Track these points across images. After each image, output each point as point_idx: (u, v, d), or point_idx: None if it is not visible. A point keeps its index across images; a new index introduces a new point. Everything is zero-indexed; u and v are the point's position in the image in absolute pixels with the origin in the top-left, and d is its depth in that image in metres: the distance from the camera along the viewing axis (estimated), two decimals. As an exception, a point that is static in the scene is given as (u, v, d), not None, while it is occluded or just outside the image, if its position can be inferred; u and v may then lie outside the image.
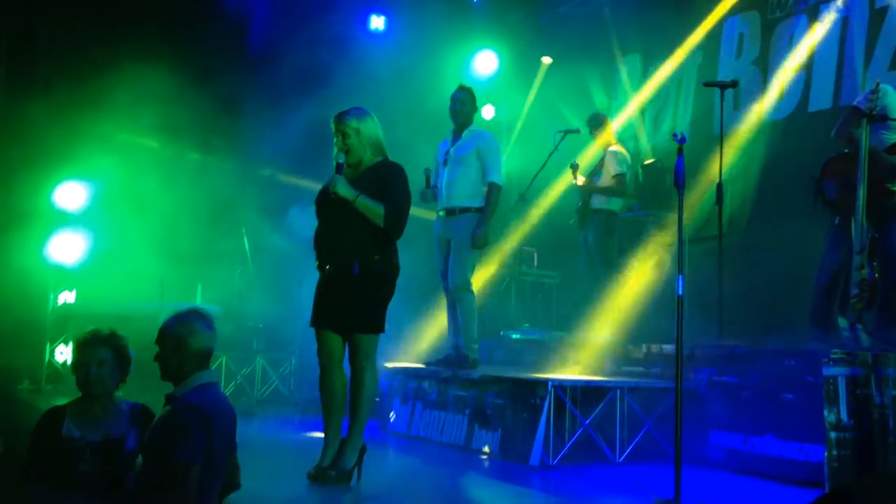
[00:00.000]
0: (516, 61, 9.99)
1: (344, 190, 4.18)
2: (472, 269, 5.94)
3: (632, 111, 8.96)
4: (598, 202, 7.35)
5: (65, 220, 9.07)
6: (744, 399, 4.83)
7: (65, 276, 9.06)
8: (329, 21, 9.75)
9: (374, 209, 4.19)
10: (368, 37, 10.16)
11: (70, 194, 9.12)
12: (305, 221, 6.45)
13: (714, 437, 4.96)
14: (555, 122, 8.89)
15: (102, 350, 3.39)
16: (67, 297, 9.15)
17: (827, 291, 5.01)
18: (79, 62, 8.57)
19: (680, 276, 3.76)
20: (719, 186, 5.57)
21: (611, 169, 7.32)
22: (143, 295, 7.91)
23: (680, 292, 3.76)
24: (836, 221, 5.03)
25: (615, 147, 7.52)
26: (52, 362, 8.83)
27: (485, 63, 9.96)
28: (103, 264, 8.89)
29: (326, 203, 4.28)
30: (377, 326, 4.28)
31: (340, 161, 4.25)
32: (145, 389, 3.67)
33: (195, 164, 9.12)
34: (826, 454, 3.31)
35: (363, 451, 4.27)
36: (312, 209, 4.43)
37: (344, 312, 4.24)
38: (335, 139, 4.33)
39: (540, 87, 9.72)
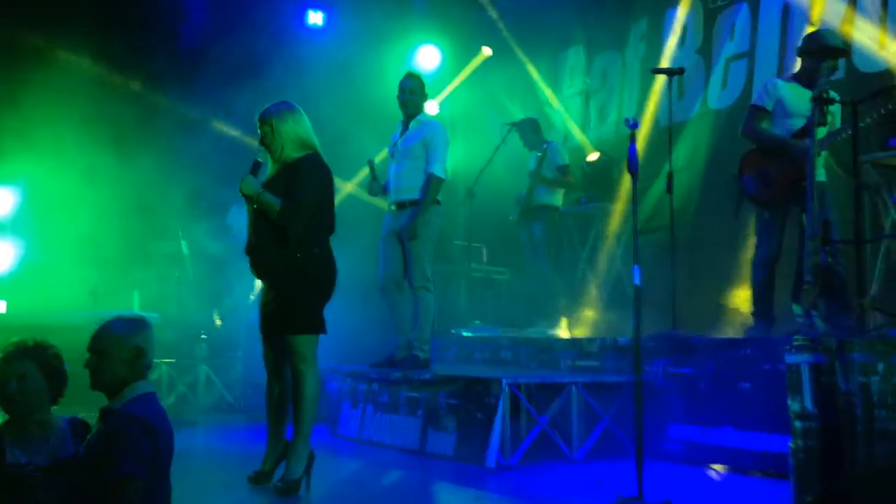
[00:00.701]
0: (459, 56, 9.86)
1: (248, 188, 4.14)
2: (429, 263, 5.78)
3: (576, 103, 8.91)
4: (542, 197, 7.32)
5: (-7, 228, 8.72)
6: (700, 390, 4.76)
7: (-6, 287, 8.72)
8: (265, 16, 9.54)
9: (271, 205, 4.10)
10: (307, 32, 9.94)
11: (-3, 201, 8.77)
12: (245, 221, 6.27)
13: (672, 430, 4.88)
14: (499, 115, 8.80)
15: (24, 364, 3.08)
16: (-2, 308, 8.78)
17: (765, 284, 5.03)
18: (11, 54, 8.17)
19: (636, 266, 3.66)
20: (670, 175, 5.50)
21: (556, 161, 7.27)
22: (76, 304, 7.55)
23: (637, 282, 3.65)
24: (766, 216, 5.09)
25: (552, 142, 7.61)
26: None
27: (427, 58, 9.80)
28: (35, 273, 8.58)
29: (250, 205, 4.23)
30: (309, 326, 4.16)
31: (259, 159, 4.22)
32: (73, 402, 3.40)
33: (127, 166, 8.77)
34: (791, 444, 3.22)
35: (311, 458, 4.15)
36: None
37: (274, 316, 4.20)
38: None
39: (483, 81, 9.60)
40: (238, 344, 8.18)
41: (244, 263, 4.38)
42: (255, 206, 4.17)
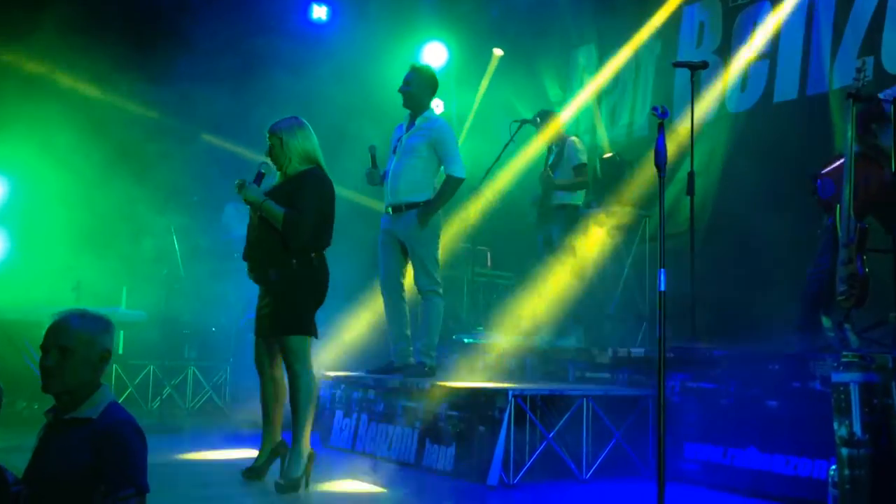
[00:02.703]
0: (466, 53, 9.54)
1: (251, 195, 4.35)
2: (436, 265, 5.48)
3: (588, 104, 8.57)
4: (561, 196, 6.83)
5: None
6: (722, 407, 4.42)
7: (-23, 279, 8.41)
8: (268, 9, 9.27)
9: (275, 213, 4.31)
10: (310, 27, 9.66)
11: (-17, 188, 8.48)
12: (241, 219, 6.14)
13: (689, 449, 4.54)
14: (507, 115, 8.46)
15: None
16: (-19, 300, 8.48)
17: (817, 298, 4.61)
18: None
19: (662, 270, 3.32)
20: (690, 175, 5.15)
21: (573, 160, 6.82)
22: (59, 299, 7.20)
23: (662, 287, 3.32)
24: (829, 222, 4.65)
25: (572, 138, 7.04)
26: (-38, 369, 8.17)
27: (434, 55, 9.48)
28: (22, 266, 8.25)
29: (252, 211, 4.47)
30: (301, 328, 4.34)
31: (262, 170, 4.45)
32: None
33: (120, 158, 8.47)
34: (833, 472, 2.88)
35: (311, 457, 4.27)
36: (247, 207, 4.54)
37: (268, 318, 4.39)
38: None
39: (491, 80, 9.28)
40: (228, 345, 7.84)
41: (237, 263, 4.64)
42: (255, 213, 4.40)
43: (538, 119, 7.08)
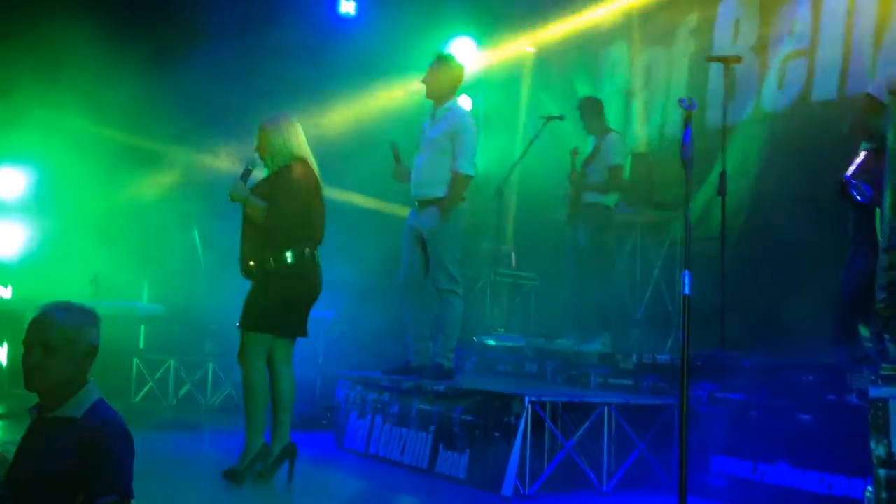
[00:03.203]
0: (496, 49, 9.35)
1: (235, 192, 4.37)
2: (456, 264, 5.30)
3: (618, 102, 8.34)
4: (591, 195, 6.55)
5: (1, 209, 8.42)
6: (751, 420, 4.21)
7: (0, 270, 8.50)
8: (295, 3, 9.18)
9: (256, 208, 4.36)
10: (339, 21, 9.54)
11: (7, 182, 8.49)
12: None
13: (716, 462, 4.33)
14: (535, 110, 8.29)
15: None
16: (2, 292, 8.52)
17: (853, 306, 4.35)
18: (19, 28, 7.83)
19: (686, 273, 3.13)
20: (722, 175, 4.93)
21: (609, 159, 6.52)
22: (77, 293, 7.16)
23: (686, 291, 3.11)
24: (858, 225, 4.39)
25: (613, 133, 6.70)
26: (-17, 361, 8.27)
27: (462, 50, 9.31)
28: (45, 258, 8.27)
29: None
30: (257, 325, 4.37)
31: (248, 166, 4.46)
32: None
33: (146, 151, 8.44)
34: (870, 494, 2.66)
35: (290, 452, 4.34)
36: None
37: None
38: None
39: (521, 77, 9.10)
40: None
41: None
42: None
43: (582, 109, 6.79)
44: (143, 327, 8.31)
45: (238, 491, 4.17)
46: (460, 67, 5.53)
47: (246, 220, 4.45)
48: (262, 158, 4.53)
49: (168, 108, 8.36)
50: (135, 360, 7.59)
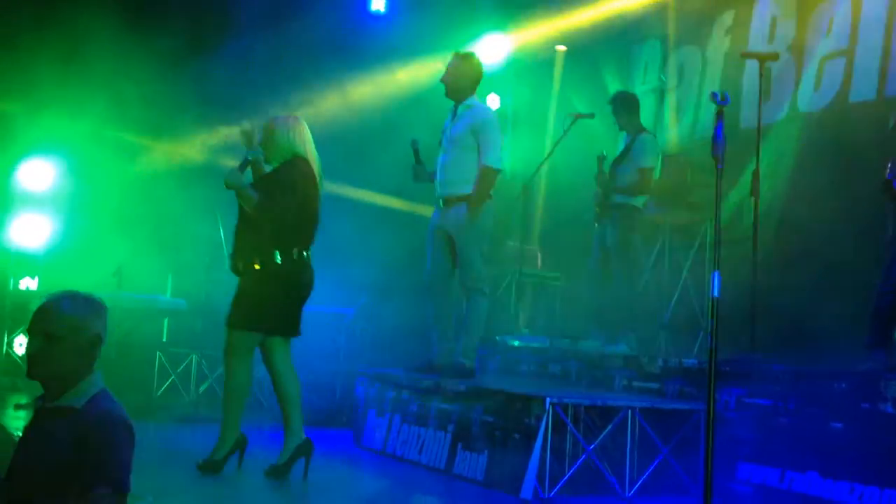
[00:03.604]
0: (526, 46, 9.25)
1: (231, 179, 4.33)
2: (483, 262, 5.25)
3: (650, 101, 8.20)
4: (619, 196, 6.40)
5: (29, 201, 8.48)
6: (780, 426, 4.08)
7: (27, 262, 8.61)
8: (325, 0, 9.16)
9: (250, 198, 4.33)
10: (369, 18, 9.50)
11: (35, 173, 8.56)
12: None
13: (742, 469, 4.21)
14: (564, 108, 8.18)
15: None
16: (29, 283, 8.59)
17: (890, 313, 4.19)
18: (43, 21, 7.86)
19: (715, 273, 3.02)
20: (755, 174, 4.79)
21: (639, 160, 6.35)
22: (101, 285, 7.16)
23: (715, 293, 2.99)
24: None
25: (646, 134, 6.50)
26: (10, 353, 8.37)
27: (494, 47, 9.23)
28: (71, 250, 8.34)
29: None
30: (242, 323, 4.37)
31: (248, 157, 4.44)
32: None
33: (171, 143, 8.45)
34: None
35: (304, 448, 4.35)
36: None
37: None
38: None
39: (550, 75, 8.99)
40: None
41: None
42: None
43: (615, 104, 6.57)
44: (166, 321, 8.32)
45: (253, 487, 4.12)
46: (480, 64, 5.45)
47: (241, 216, 4.47)
48: (265, 154, 4.54)
49: (193, 99, 8.39)
50: (158, 354, 7.59)
